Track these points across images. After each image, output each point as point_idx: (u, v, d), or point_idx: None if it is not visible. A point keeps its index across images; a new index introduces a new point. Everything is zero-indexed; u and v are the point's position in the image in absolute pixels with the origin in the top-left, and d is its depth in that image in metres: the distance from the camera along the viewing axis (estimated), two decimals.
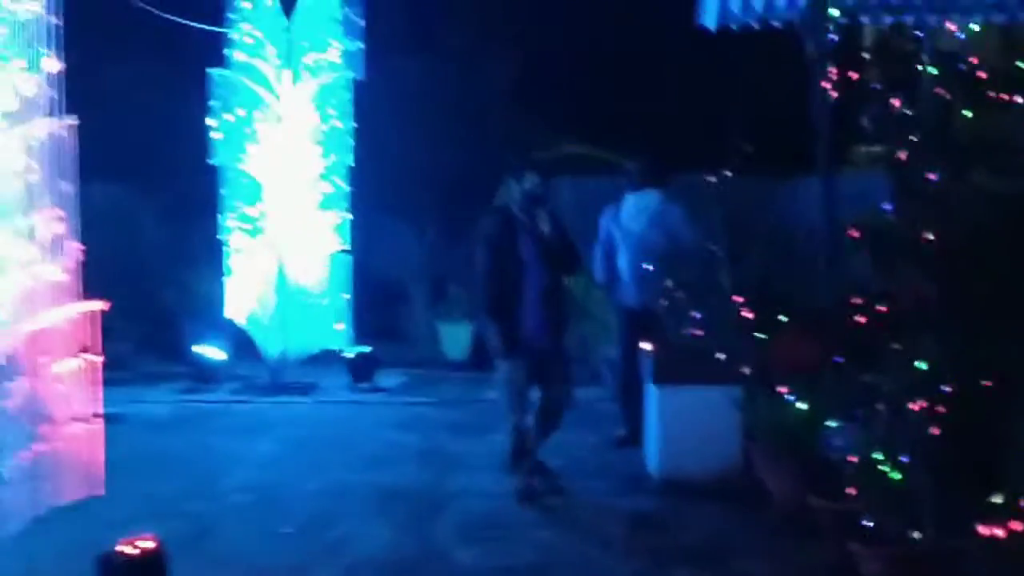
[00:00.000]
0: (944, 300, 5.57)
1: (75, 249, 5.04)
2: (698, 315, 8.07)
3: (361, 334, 12.20)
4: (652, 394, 8.08)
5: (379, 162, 12.07)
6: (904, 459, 5.73)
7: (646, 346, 8.28)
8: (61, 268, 4.91)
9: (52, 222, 4.95)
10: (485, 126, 13.22)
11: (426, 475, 8.27)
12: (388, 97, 12.22)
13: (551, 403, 7.60)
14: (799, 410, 6.84)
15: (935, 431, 5.63)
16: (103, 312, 13.36)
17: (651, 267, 8.64)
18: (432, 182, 13.28)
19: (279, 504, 7.55)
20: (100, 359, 5.09)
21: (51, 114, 5.17)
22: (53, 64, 5.16)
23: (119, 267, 14.37)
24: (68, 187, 5.11)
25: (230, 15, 11.51)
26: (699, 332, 7.98)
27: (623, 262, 9.02)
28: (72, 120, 5.24)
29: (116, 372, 12.47)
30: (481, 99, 13.21)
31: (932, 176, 5.60)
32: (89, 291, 13.52)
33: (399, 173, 12.79)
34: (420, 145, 12.79)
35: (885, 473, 5.73)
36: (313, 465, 8.54)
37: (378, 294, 13.13)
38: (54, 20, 5.20)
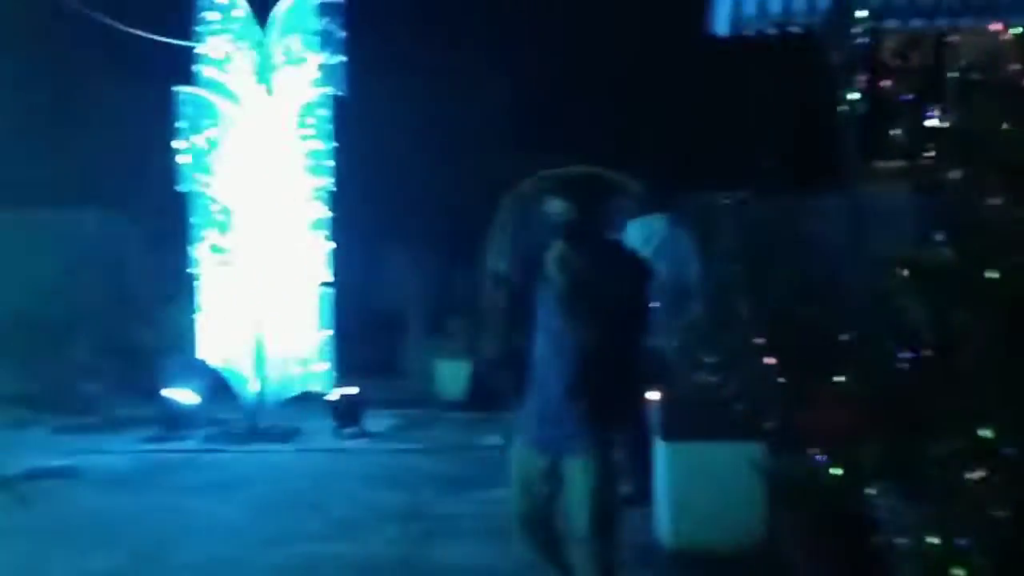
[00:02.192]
0: (1013, 352, 4.55)
1: None
2: (712, 359, 7.09)
3: (349, 372, 11.24)
4: (660, 450, 7.06)
5: (364, 185, 11.11)
6: (963, 543, 4.72)
7: (652, 395, 7.26)
8: None
9: None
10: (483, 144, 12.24)
11: (407, 545, 7.23)
12: (372, 115, 11.29)
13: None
14: (833, 475, 5.81)
15: (1000, 512, 4.61)
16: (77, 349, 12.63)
17: (656, 303, 7.62)
18: (425, 205, 12.33)
19: None
20: None
21: None
22: None
23: (93, 300, 13.54)
24: None
25: (197, 28, 10.58)
26: (713, 379, 6.99)
27: None
28: None
29: (83, 417, 11.75)
30: (478, 115, 12.24)
31: (994, 202, 4.58)
32: (64, 325, 12.72)
33: (387, 197, 11.84)
34: (410, 166, 11.87)
35: (940, 562, 4.72)
36: (279, 533, 7.49)
37: (367, 328, 12.19)
38: None
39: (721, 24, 9.53)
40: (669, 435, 6.94)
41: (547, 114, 12.56)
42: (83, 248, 14.34)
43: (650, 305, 5.65)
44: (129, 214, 13.09)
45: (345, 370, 11.36)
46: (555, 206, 5.63)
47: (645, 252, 7.98)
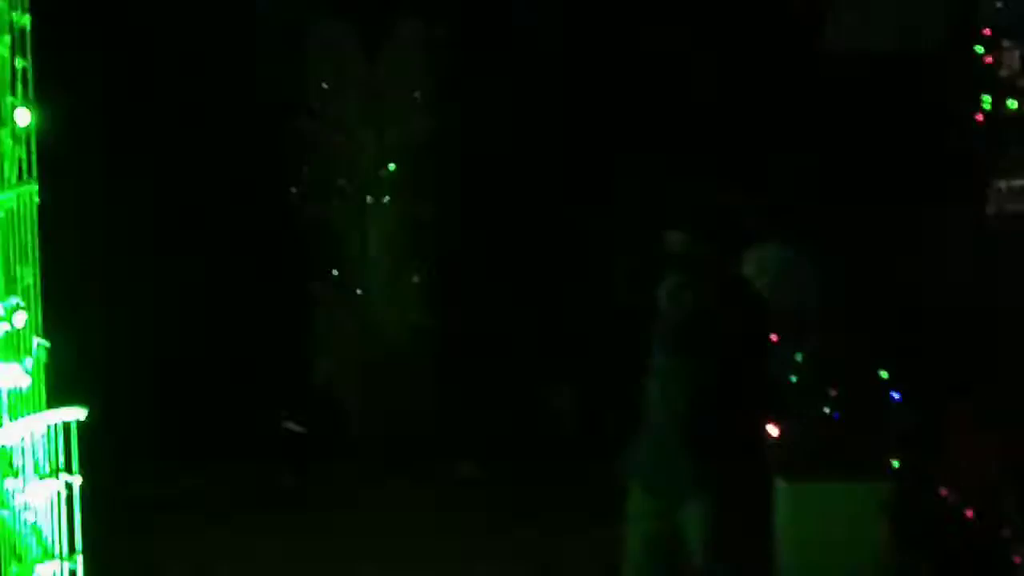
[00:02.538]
0: None
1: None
2: (835, 393, 6.80)
3: (451, 403, 11.14)
4: (781, 491, 6.77)
5: (470, 213, 10.96)
6: None
7: (772, 431, 6.97)
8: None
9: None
10: (592, 172, 11.98)
11: None
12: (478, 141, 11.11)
13: None
14: (967, 517, 5.50)
15: None
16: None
17: (776, 336, 7.33)
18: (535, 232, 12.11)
19: None
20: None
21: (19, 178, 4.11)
22: (23, 116, 4.12)
23: (206, 327, 13.63)
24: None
25: (307, 53, 10.59)
26: (838, 414, 6.71)
27: None
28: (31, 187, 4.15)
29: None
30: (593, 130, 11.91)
31: None
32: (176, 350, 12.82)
33: (493, 224, 11.65)
34: (515, 191, 11.64)
35: None
36: None
37: (470, 359, 12.03)
38: (20, 63, 4.14)
39: (836, 38, 9.36)
40: (790, 474, 6.66)
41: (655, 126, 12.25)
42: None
43: (768, 342, 5.38)
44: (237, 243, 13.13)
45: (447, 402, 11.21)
46: (670, 234, 5.43)
47: (763, 280, 7.76)
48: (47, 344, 3.96)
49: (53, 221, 4.38)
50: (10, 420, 3.93)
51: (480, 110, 10.41)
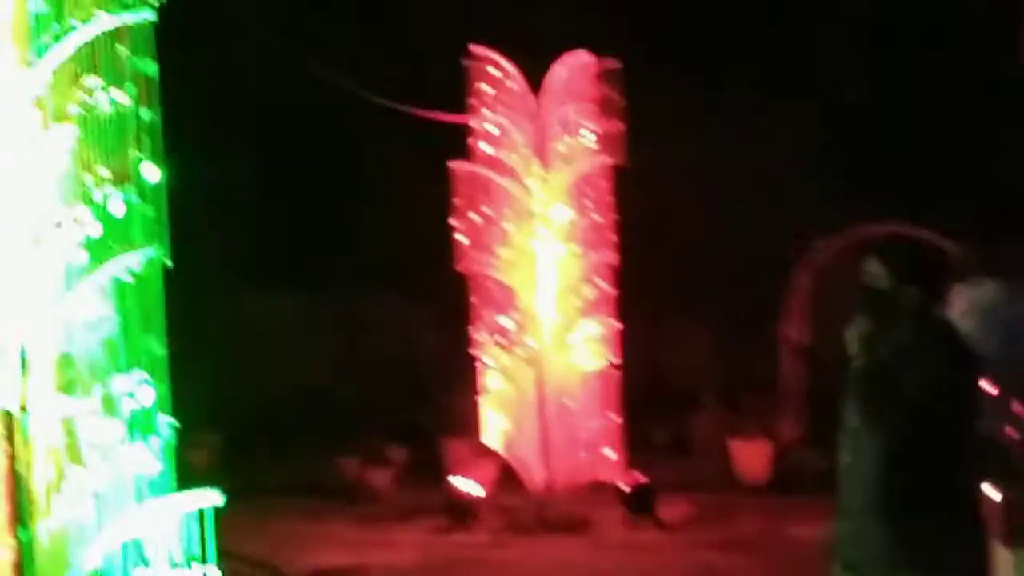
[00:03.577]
0: None
1: None
2: None
3: (638, 454, 10.57)
4: (1002, 559, 5.99)
5: (649, 258, 10.41)
6: None
7: (991, 493, 6.19)
8: None
9: None
10: (784, 204, 11.30)
11: None
12: (656, 183, 10.58)
13: None
14: None
15: None
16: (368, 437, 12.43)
17: (990, 387, 6.55)
18: (715, 274, 11.49)
19: None
20: None
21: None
22: (152, 172, 3.77)
23: (380, 382, 13.41)
24: None
25: (471, 100, 10.22)
26: None
27: None
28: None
29: (372, 506, 11.47)
30: (777, 172, 11.30)
31: None
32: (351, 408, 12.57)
33: (674, 269, 11.08)
34: (699, 236, 11.06)
35: None
36: None
37: (654, 407, 11.45)
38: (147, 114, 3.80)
39: None
40: (1013, 541, 5.89)
41: (854, 165, 11.54)
42: (370, 329, 14.33)
43: (977, 393, 4.66)
44: (414, 294, 12.91)
45: (635, 453, 10.72)
46: (866, 272, 4.76)
47: (974, 324, 6.99)
48: (175, 423, 3.59)
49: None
50: (138, 505, 3.56)
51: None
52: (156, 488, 3.56)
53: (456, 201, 10.11)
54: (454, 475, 10.60)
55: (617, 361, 10.15)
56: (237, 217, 14.11)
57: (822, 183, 11.22)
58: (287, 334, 14.57)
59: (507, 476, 10.41)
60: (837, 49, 11.48)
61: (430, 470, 11.44)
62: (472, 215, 10.12)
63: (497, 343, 10.16)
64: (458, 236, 10.09)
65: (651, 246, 10.52)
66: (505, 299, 10.20)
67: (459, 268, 10.12)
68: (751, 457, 11.13)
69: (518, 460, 10.16)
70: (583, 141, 10.23)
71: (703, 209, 11.16)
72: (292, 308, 14.90)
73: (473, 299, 10.22)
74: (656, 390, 11.77)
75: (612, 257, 10.17)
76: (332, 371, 13.46)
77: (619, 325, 10.17)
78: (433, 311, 11.32)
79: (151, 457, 3.52)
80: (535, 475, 10.06)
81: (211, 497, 3.60)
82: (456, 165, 10.11)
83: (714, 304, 12.33)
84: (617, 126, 10.20)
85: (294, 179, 13.82)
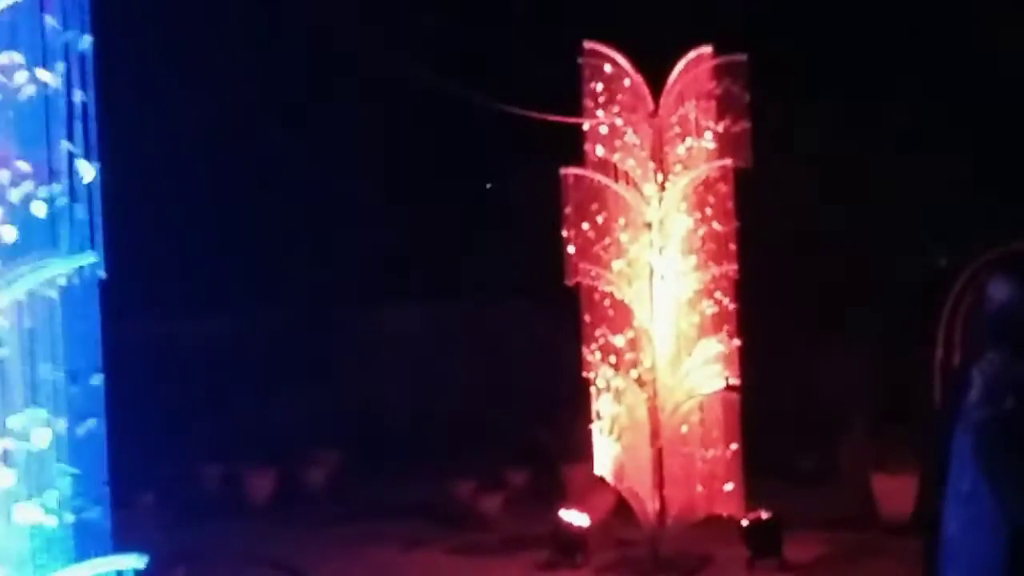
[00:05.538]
0: None
1: None
2: None
3: (766, 487, 9.64)
4: None
5: (773, 270, 9.46)
6: None
7: None
8: None
9: None
10: (934, 206, 10.20)
11: None
12: (781, 187, 9.62)
13: None
14: None
15: None
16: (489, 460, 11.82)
17: None
18: (852, 287, 10.45)
19: None
20: None
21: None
22: (87, 170, 3.15)
23: (500, 401, 12.78)
24: None
25: (587, 102, 9.45)
26: None
27: None
28: None
29: (481, 534, 10.81)
30: (926, 169, 10.19)
31: None
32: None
33: (802, 281, 10.08)
34: (830, 243, 10.03)
35: None
36: None
37: (785, 435, 10.47)
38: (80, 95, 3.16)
39: None
40: None
41: (1005, 174, 10.40)
42: (497, 345, 13.74)
43: None
44: (542, 308, 12.25)
45: (769, 484, 9.80)
46: (999, 294, 3.80)
47: None
48: (74, 471, 2.95)
49: None
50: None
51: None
52: (55, 550, 2.93)
53: (567, 210, 9.35)
54: (567, 505, 9.86)
55: (736, 383, 9.21)
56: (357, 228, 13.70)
57: (974, 194, 10.11)
58: (414, 348, 14.11)
59: (624, 509, 9.58)
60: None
61: (548, 497, 10.72)
62: (584, 225, 9.35)
63: (609, 363, 9.35)
64: (569, 247, 9.33)
65: (774, 258, 9.54)
66: (619, 316, 9.37)
67: (569, 282, 9.35)
68: (895, 493, 10.04)
69: (631, 491, 9.31)
70: (704, 144, 9.34)
71: (839, 216, 10.12)
72: (419, 321, 14.45)
73: (585, 316, 9.43)
74: (783, 417, 10.76)
75: (733, 269, 9.26)
76: (459, 390, 12.94)
77: (739, 343, 9.23)
78: (561, 326, 10.59)
79: (44, 513, 2.88)
80: (648, 508, 9.21)
81: (132, 560, 2.96)
82: (568, 171, 9.35)
83: (859, 323, 11.32)
84: (742, 126, 9.29)
85: (415, 189, 13.34)
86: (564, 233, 9.33)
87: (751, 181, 9.35)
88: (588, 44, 9.44)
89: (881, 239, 10.80)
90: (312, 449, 12.51)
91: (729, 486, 9.19)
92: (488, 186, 12.35)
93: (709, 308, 9.31)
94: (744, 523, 9.13)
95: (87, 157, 3.16)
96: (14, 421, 2.79)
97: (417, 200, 13.41)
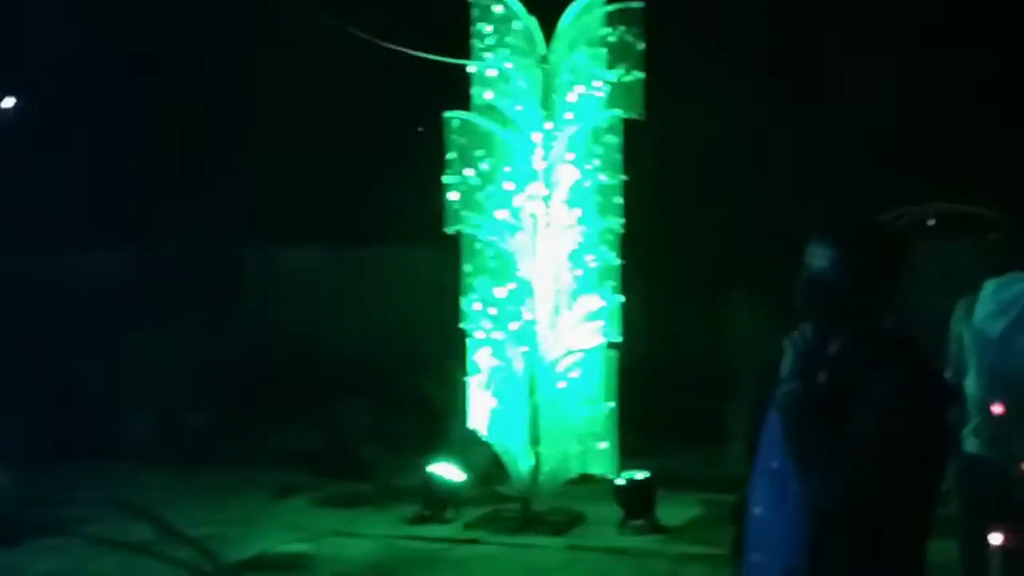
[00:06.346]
0: None
1: None
2: None
3: (646, 446, 9.50)
4: None
5: (662, 225, 9.21)
6: None
7: (994, 538, 5.00)
8: None
9: None
10: (817, 173, 10.03)
11: None
12: (674, 142, 9.35)
13: None
14: None
15: None
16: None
17: (1000, 407, 5.31)
18: (739, 245, 10.25)
19: None
20: None
21: None
22: None
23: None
24: None
25: (474, 43, 9.10)
26: None
27: (971, 386, 5.70)
28: None
29: (357, 484, 10.56)
30: (810, 138, 10.03)
31: None
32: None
33: (688, 238, 9.86)
34: (721, 200, 9.81)
35: None
36: None
37: (667, 393, 10.30)
38: None
39: None
40: None
41: (912, 132, 10.23)
42: (392, 290, 13.47)
43: (940, 442, 3.45)
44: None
45: (650, 444, 9.66)
46: (816, 260, 3.50)
47: (1000, 323, 5.74)
48: None
49: None
50: None
51: None
52: None
53: (450, 156, 9.03)
54: (444, 458, 9.61)
55: (618, 340, 8.98)
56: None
57: (872, 154, 9.95)
58: (311, 291, 13.81)
59: (496, 466, 9.36)
60: None
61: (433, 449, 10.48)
62: (467, 171, 9.03)
63: (490, 315, 9.08)
64: (449, 195, 9.02)
65: (665, 212, 9.30)
66: (500, 267, 9.10)
67: (450, 230, 9.05)
68: None
69: (502, 447, 9.09)
70: (595, 92, 9.04)
71: (730, 171, 9.89)
72: (319, 263, 14.12)
73: (466, 266, 9.15)
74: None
75: (618, 222, 9.00)
76: (353, 336, 12.68)
77: (622, 299, 8.99)
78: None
79: None
80: (522, 464, 8.99)
81: None
82: (451, 115, 9.02)
83: (760, 279, 11.14)
84: (635, 76, 8.99)
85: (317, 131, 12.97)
86: (445, 180, 9.03)
87: (646, 133, 9.10)
88: None
89: (781, 194, 10.61)
90: (197, 390, 12.18)
91: (605, 445, 8.99)
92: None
93: (593, 262, 9.06)
94: (617, 483, 8.93)
95: None
96: None
97: (320, 141, 13.06)
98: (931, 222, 9.27)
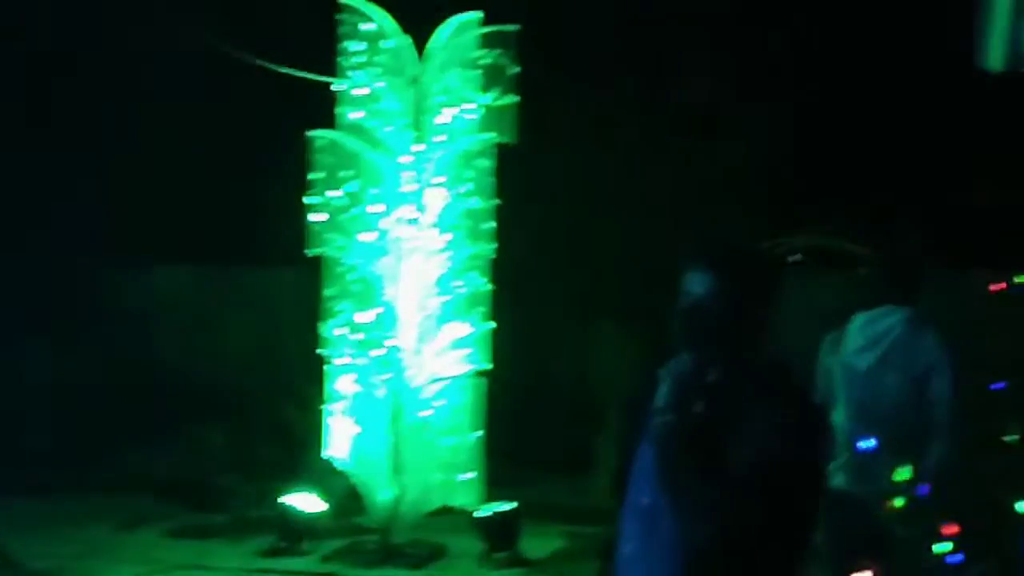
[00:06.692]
0: None
1: None
2: (956, 528, 4.75)
3: (512, 475, 9.32)
4: None
5: (535, 251, 9.07)
6: None
7: None
8: None
9: None
10: (694, 202, 10.00)
11: None
12: (546, 168, 9.23)
13: None
14: None
15: None
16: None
17: (870, 443, 5.26)
18: (611, 273, 10.18)
19: None
20: None
21: None
22: None
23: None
24: None
25: (341, 61, 8.85)
26: (957, 559, 4.66)
27: (840, 419, 5.65)
28: None
29: (210, 515, 10.16)
30: (684, 172, 10.01)
31: None
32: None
33: (562, 264, 9.74)
34: (595, 227, 9.71)
35: None
36: None
37: (543, 421, 10.17)
38: None
39: (995, 58, 7.40)
40: None
41: (782, 163, 10.28)
42: (260, 313, 13.04)
43: (822, 474, 3.33)
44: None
45: (516, 475, 9.48)
46: (695, 287, 3.35)
47: (868, 357, 5.71)
48: None
49: None
50: None
51: None
52: None
53: (315, 176, 8.75)
54: (303, 487, 9.27)
55: (486, 368, 8.79)
56: None
57: (754, 187, 9.97)
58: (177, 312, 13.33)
59: (356, 497, 9.06)
60: None
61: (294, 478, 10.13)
62: (331, 193, 8.76)
63: (352, 341, 8.81)
64: (313, 216, 8.74)
65: (537, 238, 9.16)
66: (364, 291, 8.83)
67: (312, 252, 8.77)
68: None
69: (366, 477, 8.80)
70: (467, 115, 8.86)
71: (606, 199, 9.80)
72: (187, 284, 13.62)
73: (326, 290, 8.86)
74: (541, 403, 10.45)
75: (489, 248, 8.82)
76: (216, 359, 12.21)
77: (492, 325, 8.81)
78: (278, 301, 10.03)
79: None
80: (382, 495, 8.71)
81: None
82: (317, 134, 8.75)
83: (631, 308, 11.06)
84: (508, 100, 8.83)
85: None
86: (309, 200, 8.75)
87: (519, 159, 8.94)
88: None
89: (654, 225, 10.55)
90: (38, 415, 11.59)
91: (470, 475, 8.77)
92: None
93: (461, 288, 8.85)
94: (477, 515, 8.71)
95: None
96: None
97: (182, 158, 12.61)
98: (795, 257, 9.27)
